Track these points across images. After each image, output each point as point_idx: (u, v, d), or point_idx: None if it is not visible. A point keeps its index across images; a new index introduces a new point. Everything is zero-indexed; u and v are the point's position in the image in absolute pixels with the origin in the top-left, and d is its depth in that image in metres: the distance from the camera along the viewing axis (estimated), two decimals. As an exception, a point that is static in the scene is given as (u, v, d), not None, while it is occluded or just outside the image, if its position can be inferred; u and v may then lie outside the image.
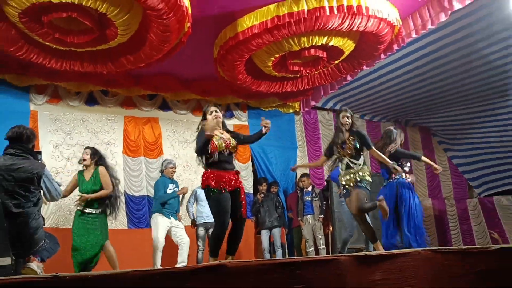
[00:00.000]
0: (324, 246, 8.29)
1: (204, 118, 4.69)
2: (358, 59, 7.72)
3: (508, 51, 7.68)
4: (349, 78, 8.52)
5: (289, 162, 9.76)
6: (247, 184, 9.43)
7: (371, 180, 5.20)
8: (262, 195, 8.45)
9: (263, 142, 9.47)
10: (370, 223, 5.54)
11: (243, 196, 4.44)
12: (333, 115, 10.90)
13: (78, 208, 5.56)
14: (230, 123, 9.67)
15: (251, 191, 9.39)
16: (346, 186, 5.17)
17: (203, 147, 4.30)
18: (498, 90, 9.19)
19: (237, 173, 4.52)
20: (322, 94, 9.32)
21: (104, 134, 8.52)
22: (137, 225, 8.20)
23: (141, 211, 8.29)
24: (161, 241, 6.76)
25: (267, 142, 9.66)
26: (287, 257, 8.22)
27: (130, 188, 8.40)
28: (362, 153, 5.29)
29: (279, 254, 8.11)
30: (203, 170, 4.45)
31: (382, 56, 7.68)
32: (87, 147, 5.80)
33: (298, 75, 8.06)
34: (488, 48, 7.78)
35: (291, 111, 10.04)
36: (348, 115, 5.30)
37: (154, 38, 6.26)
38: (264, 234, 8.30)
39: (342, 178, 5.21)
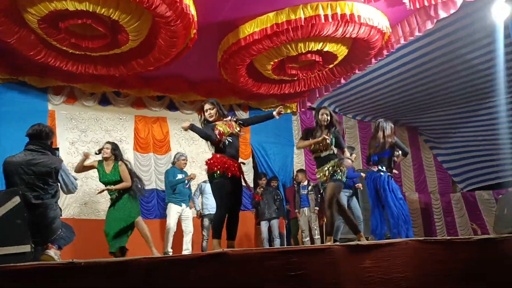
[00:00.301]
0: (319, 236, 8.30)
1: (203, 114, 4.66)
2: (350, 64, 7.71)
3: (490, 56, 7.68)
4: (342, 81, 8.51)
5: (287, 158, 9.76)
6: (248, 179, 9.42)
7: (345, 173, 5.10)
8: (262, 189, 8.45)
9: (262, 139, 9.59)
10: (355, 215, 5.55)
11: (241, 185, 4.40)
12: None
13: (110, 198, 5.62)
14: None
15: (252, 185, 9.39)
16: (323, 179, 5.08)
17: (207, 137, 4.34)
18: (480, 92, 9.20)
19: (241, 164, 4.47)
20: (318, 95, 9.31)
21: (116, 132, 8.51)
22: (147, 216, 8.18)
23: (150, 203, 8.29)
24: (172, 227, 6.97)
25: (267, 140, 9.67)
26: (285, 246, 8.24)
27: None
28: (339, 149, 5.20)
29: (277, 243, 8.11)
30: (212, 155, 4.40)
31: (373, 61, 7.67)
32: (108, 142, 5.83)
33: (296, 78, 8.05)
34: (471, 53, 7.78)
35: (288, 111, 10.03)
36: (328, 112, 5.11)
37: (162, 43, 6.25)
38: (264, 225, 8.30)
39: (319, 172, 5.10)
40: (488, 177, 11.48)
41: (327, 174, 4.98)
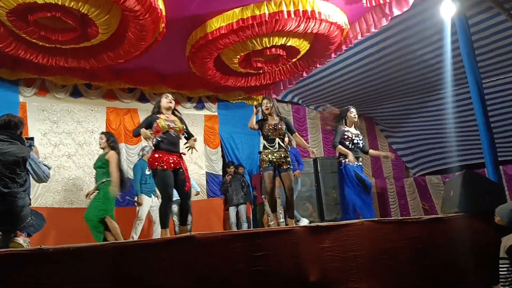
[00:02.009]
0: (283, 220, 8.35)
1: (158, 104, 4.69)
2: (312, 58, 7.73)
3: (439, 51, 7.85)
4: (304, 74, 8.54)
5: (254, 147, 9.77)
6: (217, 167, 9.41)
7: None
8: (230, 176, 8.43)
9: (231, 130, 9.55)
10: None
11: (186, 174, 4.46)
12: (292, 107, 10.97)
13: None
14: (202, 113, 9.60)
15: (221, 173, 9.38)
16: (276, 163, 5.07)
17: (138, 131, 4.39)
18: (430, 85, 9.41)
19: (182, 154, 4.52)
20: (282, 88, 9.33)
21: (88, 123, 8.29)
22: (118, 204, 7.98)
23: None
24: (144, 218, 6.84)
25: (235, 130, 9.63)
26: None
27: None
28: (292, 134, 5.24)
29: (245, 227, 8.11)
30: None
31: (333, 55, 7.72)
32: (102, 133, 5.69)
33: (261, 71, 8.02)
34: (423, 49, 7.94)
35: (255, 103, 9.99)
36: (266, 101, 5.22)
37: (132, 37, 6.09)
38: (232, 210, 8.28)
39: (273, 154, 5.00)
40: (437, 162, 11.84)
41: (284, 160, 5.01)
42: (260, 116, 5.36)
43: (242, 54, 7.09)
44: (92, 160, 8.02)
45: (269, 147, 5.02)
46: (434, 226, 3.61)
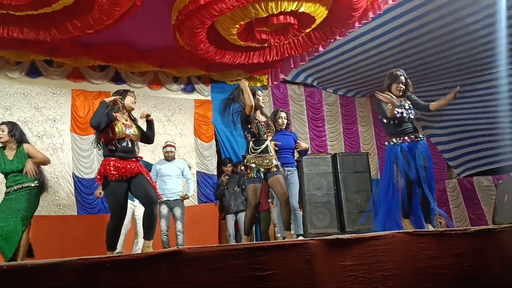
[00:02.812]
0: (280, 234, 8.37)
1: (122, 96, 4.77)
2: (331, 28, 7.71)
3: (491, 20, 7.79)
4: (321, 49, 8.52)
5: (257, 140, 9.78)
6: (211, 165, 9.44)
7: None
8: (227, 177, 8.42)
9: (228, 119, 9.45)
10: None
11: (149, 177, 4.60)
12: (304, 90, 10.96)
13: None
14: (191, 97, 9.60)
15: (215, 173, 9.40)
16: (264, 170, 5.05)
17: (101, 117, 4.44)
18: (479, 63, 9.38)
19: (139, 159, 4.66)
20: (292, 66, 9.31)
21: (49, 109, 8.31)
22: (88, 211, 8.08)
23: (92, 195, 8.15)
24: (125, 225, 6.70)
25: (233, 119, 9.63)
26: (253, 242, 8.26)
27: (79, 169, 8.28)
28: None
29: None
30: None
31: (357, 24, 7.69)
32: (3, 123, 5.55)
33: (266, 45, 8.00)
34: (471, 16, 7.87)
35: (258, 85, 10.00)
36: (261, 92, 5.28)
37: (103, 1, 6.08)
38: (230, 219, 8.29)
39: (262, 160, 4.98)
40: (487, 160, 11.80)
41: (274, 165, 5.07)
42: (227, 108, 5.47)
43: (243, 23, 7.07)
44: (54, 156, 8.06)
45: (256, 151, 4.99)
46: (484, 240, 3.59)
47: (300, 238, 5.72)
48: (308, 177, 8.22)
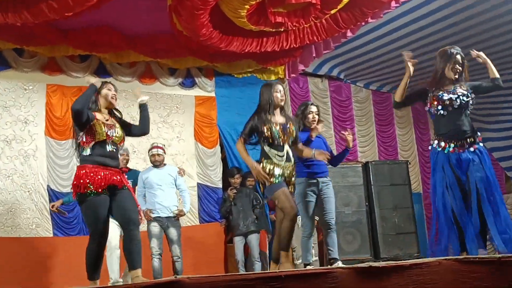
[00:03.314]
0: (317, 258, 8.33)
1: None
2: (361, 8, 7.73)
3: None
4: (349, 34, 8.52)
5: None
6: (215, 177, 9.46)
7: None
8: (235, 191, 8.43)
9: (235, 119, 9.56)
10: None
11: (130, 195, 4.64)
12: (329, 84, 10.95)
13: None
14: (191, 93, 9.62)
15: (220, 186, 9.44)
16: (287, 180, 5.01)
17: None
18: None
19: (123, 171, 4.77)
20: (314, 55, 9.31)
21: (19, 108, 8.36)
22: (66, 232, 8.10)
23: (71, 212, 8.19)
24: (113, 247, 6.70)
25: (241, 119, 9.57)
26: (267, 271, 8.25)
27: (55, 181, 8.26)
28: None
29: (257, 268, 8.12)
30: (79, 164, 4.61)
31: (393, 4, 7.69)
32: None
33: (282, 30, 8.02)
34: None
35: (273, 78, 10.01)
36: (281, 87, 5.20)
37: (85, -23, 6.14)
38: (238, 242, 8.29)
39: (283, 169, 4.95)
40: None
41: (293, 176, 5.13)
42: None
43: (253, 2, 7.09)
44: (25, 164, 8.10)
45: (276, 158, 4.95)
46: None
47: (339, 263, 5.69)
48: (335, 191, 8.12)
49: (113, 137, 4.60)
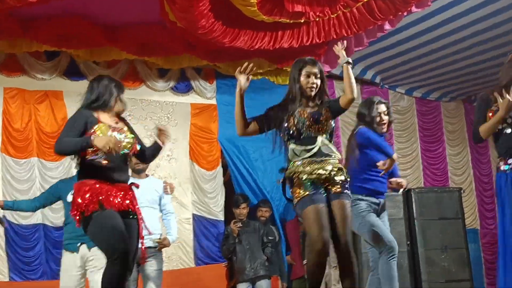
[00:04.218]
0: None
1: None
2: (403, -5, 7.77)
3: None
4: (387, 27, 8.52)
5: (287, 166, 9.79)
6: (215, 206, 9.47)
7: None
8: (240, 224, 8.41)
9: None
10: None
11: (136, 225, 4.63)
12: (362, 89, 10.95)
13: None
14: (186, 100, 9.64)
15: (221, 218, 9.46)
16: (324, 183, 4.87)
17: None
18: None
19: (132, 187, 4.74)
20: (343, 53, 9.33)
21: (-32, 118, 8.44)
22: (25, 276, 8.10)
23: (32, 250, 8.20)
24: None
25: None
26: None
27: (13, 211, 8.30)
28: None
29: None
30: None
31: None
32: None
33: (302, 21, 8.06)
34: None
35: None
36: (317, 70, 4.86)
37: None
38: (244, 289, 8.30)
39: (316, 166, 4.88)
40: None
41: (332, 177, 4.76)
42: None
43: (267, -14, 7.15)
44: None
45: (305, 153, 4.79)
46: None
47: None
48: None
49: (122, 144, 4.56)
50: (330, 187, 4.73)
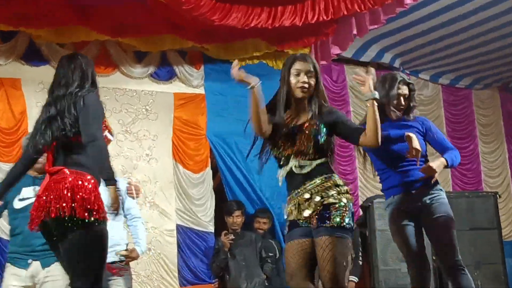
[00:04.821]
0: None
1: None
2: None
3: None
4: (408, 1, 8.48)
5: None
6: (203, 216, 9.43)
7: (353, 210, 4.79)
8: (233, 236, 8.40)
9: (235, 130, 9.53)
10: None
11: None
12: (378, 75, 10.88)
13: None
14: (168, 89, 9.62)
15: (211, 229, 9.43)
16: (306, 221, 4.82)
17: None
18: None
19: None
20: (355, 33, 9.28)
21: None
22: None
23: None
24: None
25: (243, 131, 9.60)
26: None
27: (2, 225, 8.25)
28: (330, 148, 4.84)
29: None
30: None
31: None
32: None
33: (306, -5, 8.04)
34: None
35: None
36: (310, 67, 4.72)
37: None
38: (238, 313, 8.30)
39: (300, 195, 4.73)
40: None
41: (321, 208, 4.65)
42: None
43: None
44: None
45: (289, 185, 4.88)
46: None
47: None
48: (385, 238, 8.16)
49: None
50: (323, 219, 4.64)
